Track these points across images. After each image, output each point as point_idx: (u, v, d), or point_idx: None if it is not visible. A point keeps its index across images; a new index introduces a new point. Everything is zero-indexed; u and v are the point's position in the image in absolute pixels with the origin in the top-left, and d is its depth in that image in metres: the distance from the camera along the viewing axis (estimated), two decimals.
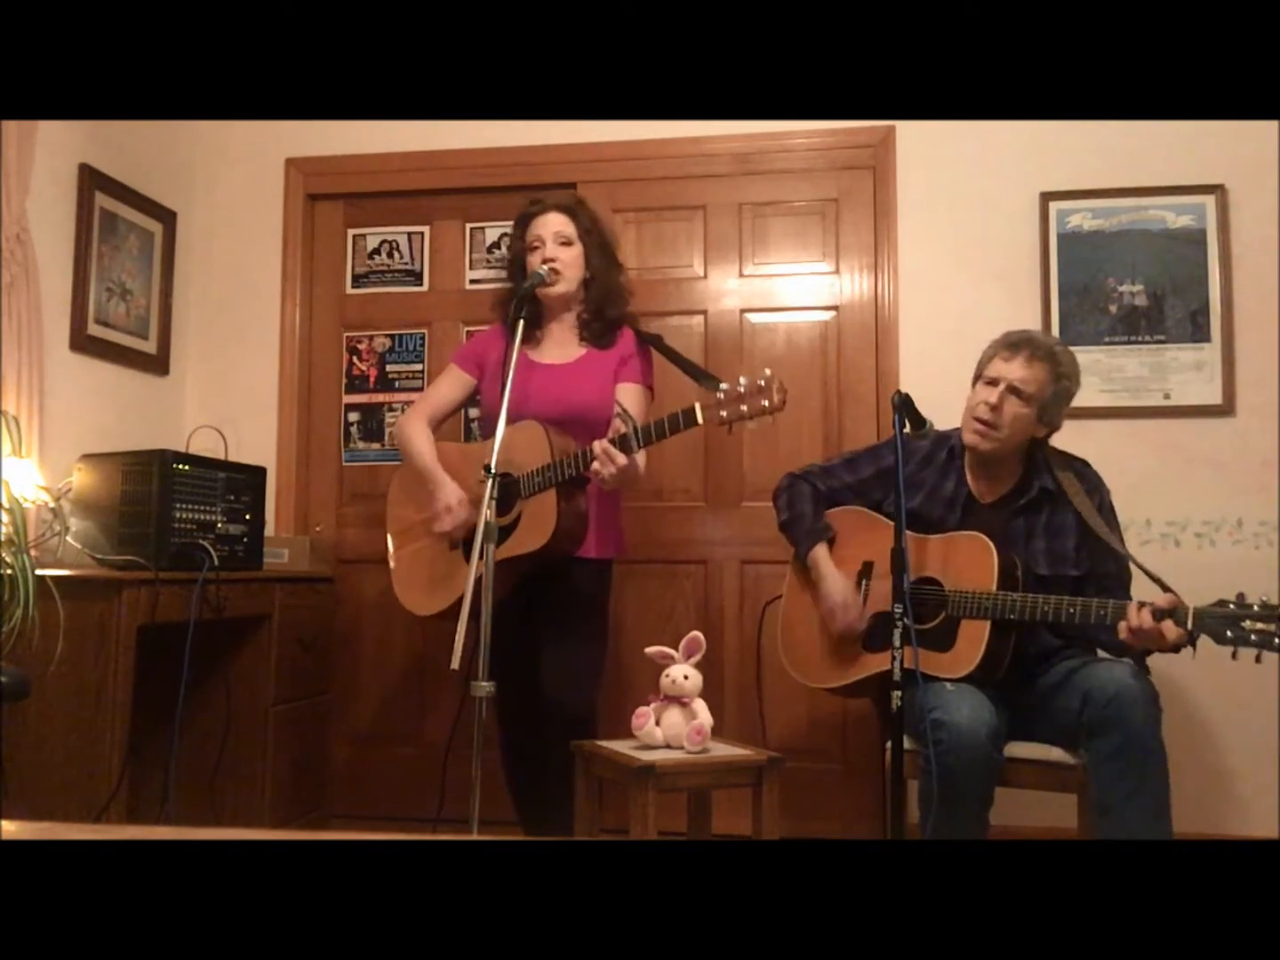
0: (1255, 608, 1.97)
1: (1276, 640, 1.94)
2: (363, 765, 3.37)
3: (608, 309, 2.54)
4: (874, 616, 2.39)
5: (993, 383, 2.32)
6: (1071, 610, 2.13)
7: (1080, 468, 2.40)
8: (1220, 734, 2.93)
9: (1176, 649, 2.10)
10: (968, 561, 2.27)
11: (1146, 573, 2.22)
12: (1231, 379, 3.01)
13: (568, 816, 2.38)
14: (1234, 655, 1.99)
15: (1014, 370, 2.30)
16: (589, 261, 2.54)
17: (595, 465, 2.21)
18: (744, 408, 2.11)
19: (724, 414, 2.13)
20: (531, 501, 2.35)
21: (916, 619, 2.18)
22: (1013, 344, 2.34)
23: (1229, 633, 1.98)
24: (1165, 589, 2.13)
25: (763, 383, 2.11)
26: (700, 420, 2.16)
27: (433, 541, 2.54)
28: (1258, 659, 1.97)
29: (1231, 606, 2.00)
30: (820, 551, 2.45)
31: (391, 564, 2.64)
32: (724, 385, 2.14)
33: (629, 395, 2.46)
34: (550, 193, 2.75)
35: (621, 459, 2.20)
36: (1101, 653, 2.33)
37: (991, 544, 2.25)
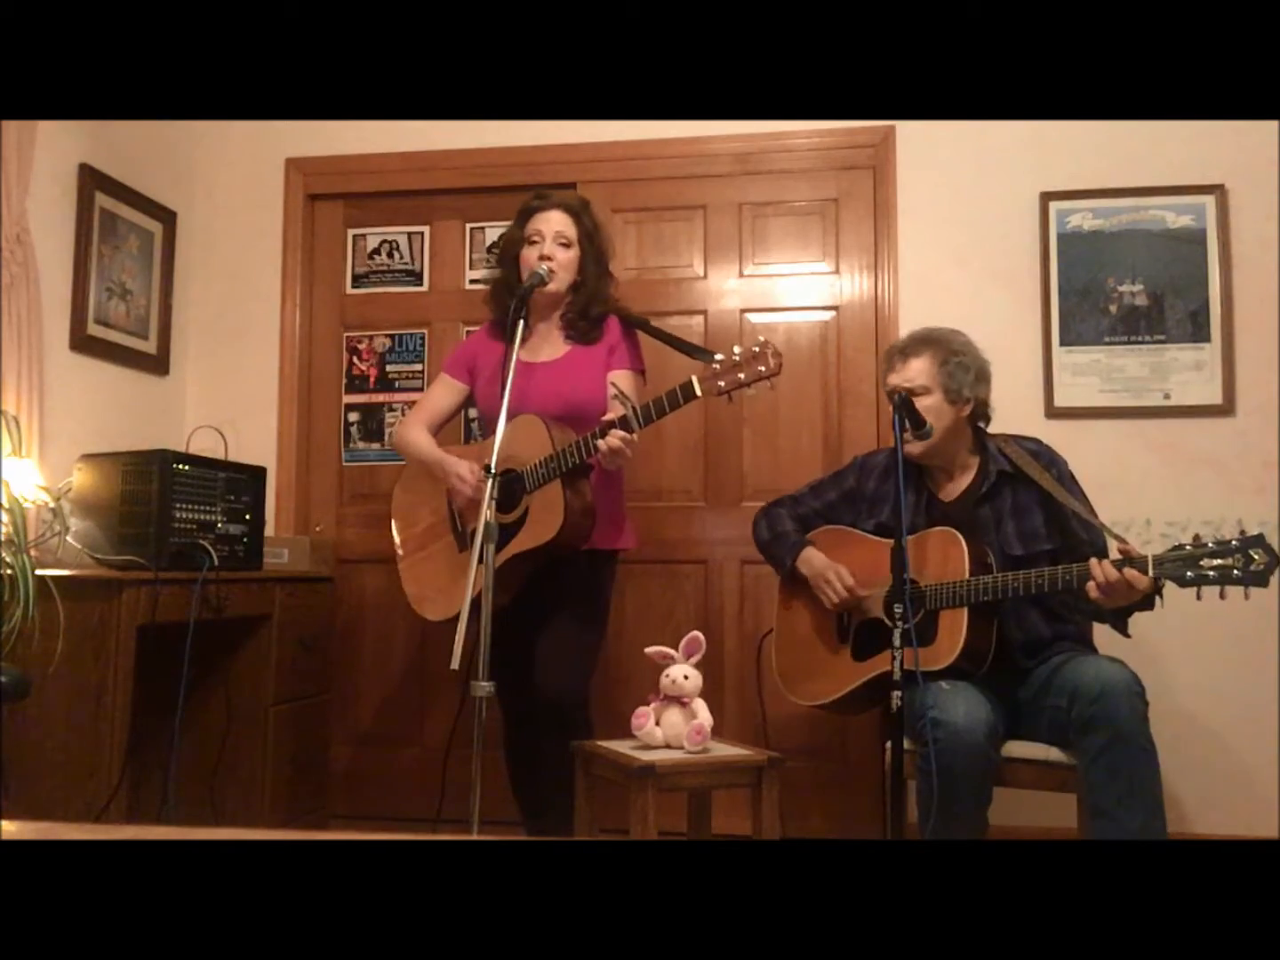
0: (1210, 545, 2.01)
1: (1235, 573, 1.98)
2: (363, 765, 3.37)
3: (591, 309, 2.54)
4: (859, 625, 2.41)
5: (890, 395, 2.38)
6: (1040, 580, 2.16)
7: (1032, 446, 2.44)
8: (1220, 734, 2.93)
9: (1148, 602, 2.13)
10: (940, 556, 2.30)
11: (1108, 531, 2.25)
12: (1231, 379, 3.01)
13: (567, 813, 2.38)
14: (1198, 595, 2.02)
15: (895, 377, 2.41)
16: (583, 267, 2.54)
17: (604, 444, 2.21)
18: (741, 375, 2.13)
19: (722, 384, 2.15)
20: (538, 495, 2.35)
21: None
22: (889, 356, 2.47)
23: (1189, 573, 2.02)
24: (1125, 542, 2.16)
25: (757, 349, 2.12)
26: (699, 393, 2.18)
27: (443, 546, 2.54)
28: (1221, 595, 2.00)
29: (1188, 548, 2.03)
30: (808, 551, 2.49)
31: (401, 571, 2.63)
32: (719, 356, 2.16)
33: (621, 381, 2.47)
34: (558, 191, 2.75)
35: (620, 443, 2.21)
36: (1097, 630, 2.36)
37: (959, 535, 2.28)
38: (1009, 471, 2.38)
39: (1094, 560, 2.10)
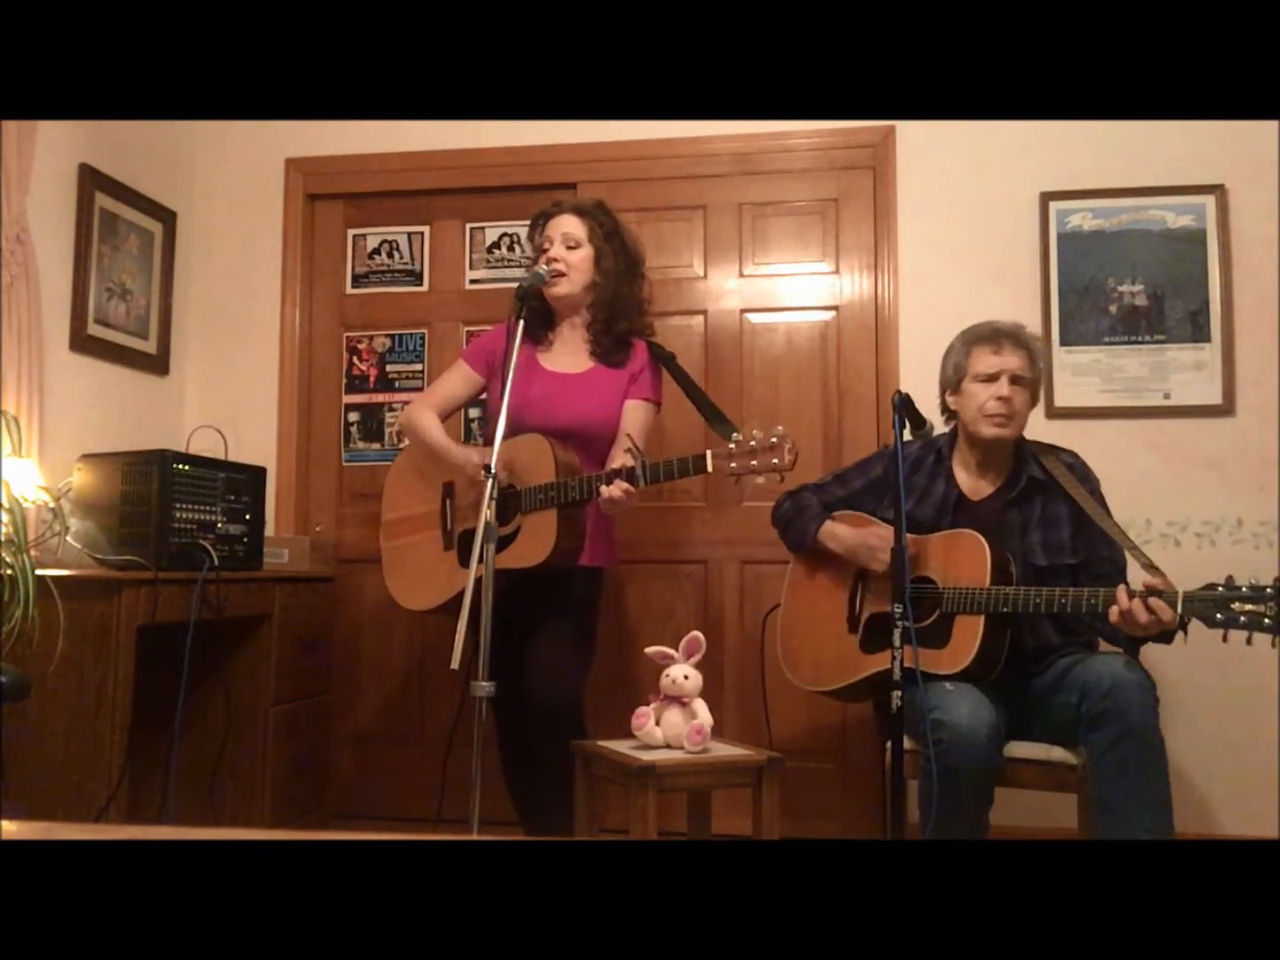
0: (1244, 589, 1.99)
1: (1266, 621, 1.96)
2: (363, 765, 3.37)
3: (616, 322, 2.52)
4: (871, 617, 2.40)
5: (992, 378, 2.36)
6: (1064, 601, 2.15)
7: (1068, 458, 2.43)
8: (1220, 734, 2.93)
9: (1169, 635, 2.11)
10: (961, 558, 2.28)
11: (1141, 556, 2.22)
12: (1231, 379, 3.01)
13: (566, 817, 2.38)
14: (1224, 638, 2.00)
15: (1009, 360, 2.36)
16: (598, 266, 2.52)
17: (606, 491, 2.22)
18: (754, 463, 2.13)
19: (734, 465, 2.15)
20: (531, 517, 2.35)
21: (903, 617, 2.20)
22: (990, 336, 2.40)
23: (1219, 615, 1.99)
24: (1157, 572, 2.14)
25: (775, 440, 2.12)
26: (710, 469, 2.18)
27: (428, 538, 2.54)
28: (1248, 640, 1.99)
29: (1220, 589, 2.01)
30: (830, 523, 2.47)
31: (383, 552, 2.64)
32: (737, 436, 2.16)
33: (637, 413, 2.48)
34: (572, 194, 2.75)
35: (621, 495, 2.23)
36: (1102, 644, 2.35)
37: (984, 540, 2.27)
38: (1040, 479, 2.37)
39: (1122, 589, 2.08)
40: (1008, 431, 2.36)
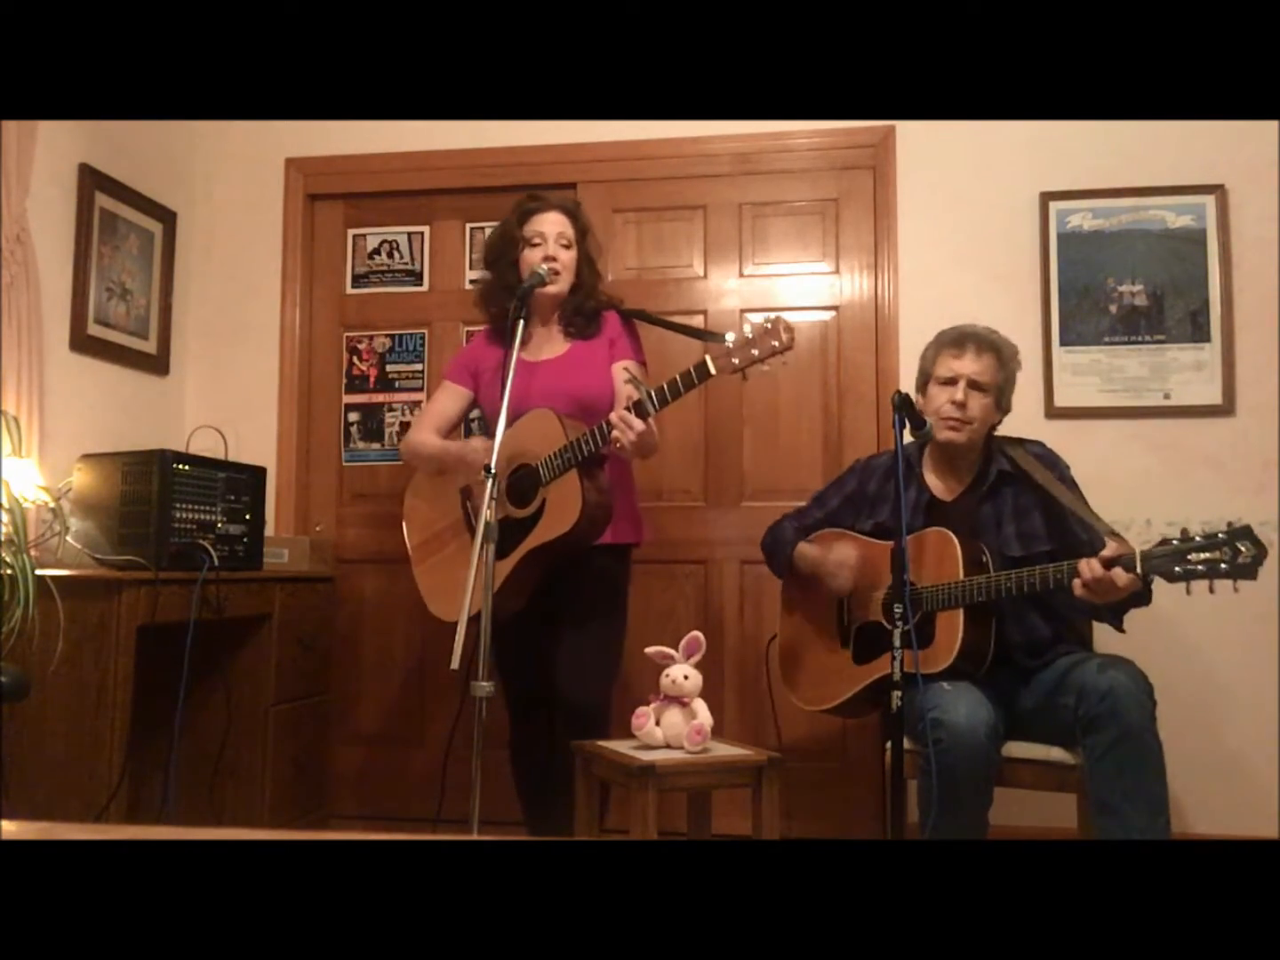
0: (1198, 539, 1.99)
1: (1223, 566, 1.96)
2: (363, 765, 3.37)
3: (586, 305, 2.55)
4: (859, 629, 2.41)
5: (950, 381, 2.38)
6: (1032, 579, 2.16)
7: (1035, 449, 2.44)
8: (1220, 733, 2.93)
9: (1141, 597, 2.13)
10: (934, 557, 2.30)
11: (1104, 526, 2.23)
12: (1231, 379, 3.01)
13: (572, 814, 2.38)
14: (1187, 590, 2.00)
15: (967, 365, 2.37)
16: (579, 268, 2.55)
17: (615, 434, 2.20)
18: (755, 351, 2.10)
19: (736, 361, 2.12)
20: (554, 486, 2.34)
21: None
22: (956, 340, 2.41)
23: (1177, 569, 2.00)
24: (1116, 537, 2.15)
25: (769, 325, 2.09)
26: (714, 371, 2.15)
27: (459, 547, 2.53)
28: (1210, 590, 1.98)
29: (1175, 542, 2.02)
30: (803, 545, 2.51)
31: (417, 576, 2.61)
32: (730, 335, 2.13)
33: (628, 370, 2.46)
34: (551, 192, 2.75)
35: (639, 424, 2.19)
36: (1096, 638, 2.35)
37: (952, 535, 2.29)
38: (1009, 471, 2.38)
39: (1083, 560, 2.09)
40: (961, 436, 2.37)
